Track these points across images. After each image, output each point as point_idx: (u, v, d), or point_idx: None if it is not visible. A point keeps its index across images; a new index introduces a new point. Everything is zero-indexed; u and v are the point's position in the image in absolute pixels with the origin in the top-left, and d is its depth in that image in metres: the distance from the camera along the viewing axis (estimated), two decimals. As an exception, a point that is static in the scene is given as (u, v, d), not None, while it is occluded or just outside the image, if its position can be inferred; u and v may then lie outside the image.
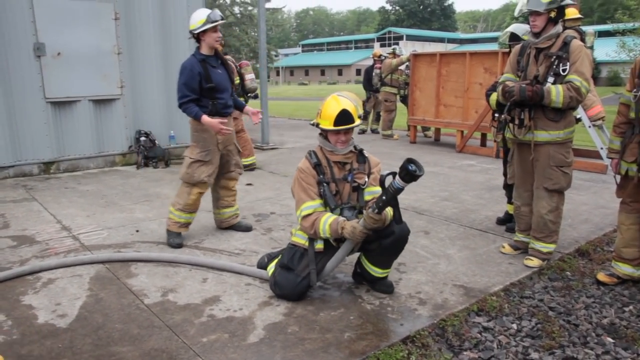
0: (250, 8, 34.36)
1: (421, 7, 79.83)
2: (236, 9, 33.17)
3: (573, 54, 3.68)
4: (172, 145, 8.09)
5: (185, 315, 3.14)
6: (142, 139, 7.61)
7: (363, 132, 12.71)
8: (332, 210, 3.29)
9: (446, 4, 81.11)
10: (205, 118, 4.17)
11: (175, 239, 4.36)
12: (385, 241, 3.24)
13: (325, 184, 3.30)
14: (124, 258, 3.96)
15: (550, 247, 4.03)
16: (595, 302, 3.52)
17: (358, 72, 73.66)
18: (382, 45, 78.69)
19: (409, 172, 2.77)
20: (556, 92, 3.65)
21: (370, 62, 13.02)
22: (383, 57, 12.09)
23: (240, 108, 4.72)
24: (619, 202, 3.78)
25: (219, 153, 4.43)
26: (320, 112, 3.31)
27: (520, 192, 4.15)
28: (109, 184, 6.63)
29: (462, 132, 9.93)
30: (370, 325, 3.06)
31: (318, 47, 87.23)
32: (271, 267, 3.59)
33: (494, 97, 4.73)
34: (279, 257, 3.59)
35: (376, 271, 3.45)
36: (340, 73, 74.58)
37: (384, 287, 3.52)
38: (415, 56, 10.88)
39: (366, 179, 3.35)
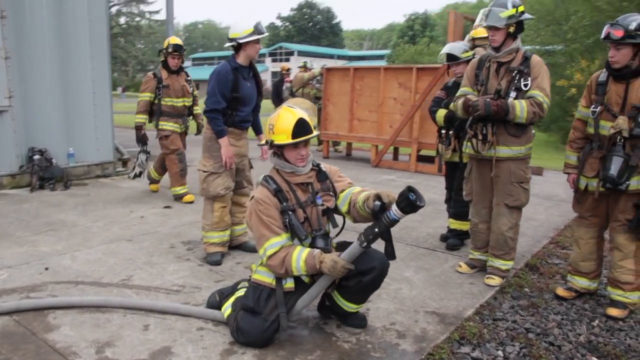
0: (137, 19, 32.67)
1: (310, 24, 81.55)
2: (122, 20, 31.33)
3: (534, 69, 3.65)
4: (72, 164, 7.10)
5: (134, 377, 2.55)
6: (36, 157, 6.56)
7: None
8: (301, 242, 2.88)
9: (334, 22, 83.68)
10: (224, 140, 4.08)
11: (212, 257, 4.17)
12: (366, 278, 2.87)
13: (290, 212, 2.88)
14: (37, 305, 3.21)
15: (509, 264, 3.95)
16: (564, 319, 3.45)
17: (251, 86, 73.04)
18: (274, 61, 79.14)
19: (410, 203, 2.44)
20: (520, 108, 3.58)
21: (265, 76, 12.78)
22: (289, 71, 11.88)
23: (256, 130, 4.58)
24: (576, 215, 3.81)
25: (234, 166, 4.25)
26: (272, 128, 2.90)
27: (479, 209, 4.04)
28: (-3, 212, 5.60)
29: (376, 146, 9.96)
30: (357, 369, 2.69)
31: (209, 60, 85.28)
32: (227, 308, 3.09)
33: (440, 113, 4.66)
34: (235, 296, 3.10)
35: (350, 307, 3.08)
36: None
37: (357, 321, 3.16)
38: (328, 70, 10.78)
39: (334, 201, 3.00)
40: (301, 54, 69.76)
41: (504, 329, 3.29)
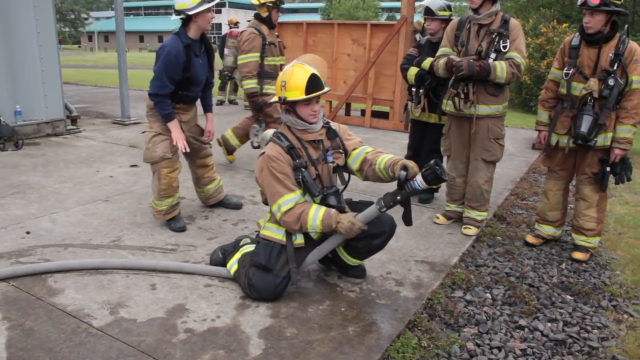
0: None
1: (241, -25, 78.48)
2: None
3: (513, 31, 3.84)
4: (20, 123, 6.68)
5: (157, 335, 2.60)
6: (-19, 115, 6.13)
7: (221, 103, 12.11)
8: (313, 198, 2.98)
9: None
10: (173, 124, 3.82)
11: (175, 224, 4.00)
12: (376, 241, 3.03)
13: (303, 169, 2.95)
14: (35, 270, 3.13)
15: (484, 214, 4.26)
16: (537, 263, 3.81)
17: (181, 39, 69.92)
18: (204, 12, 75.54)
19: (437, 176, 2.56)
20: (500, 69, 3.78)
21: None
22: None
23: (205, 106, 4.26)
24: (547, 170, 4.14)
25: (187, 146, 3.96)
26: (285, 85, 2.92)
27: (457, 164, 4.28)
28: (-54, 174, 5.24)
29: (330, 102, 10.03)
30: (367, 315, 2.88)
31: (134, 11, 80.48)
32: (232, 264, 3.16)
33: (412, 71, 4.76)
34: (241, 252, 3.17)
35: (353, 261, 3.24)
36: (161, 40, 70.11)
37: (358, 271, 3.34)
38: (280, 25, 10.57)
39: (344, 158, 3.09)
40: (232, 5, 67.18)
41: (487, 274, 3.59)
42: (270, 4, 5.38)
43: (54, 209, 4.29)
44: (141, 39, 69.21)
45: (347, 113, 10.49)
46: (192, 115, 4.14)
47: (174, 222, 4.00)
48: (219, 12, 74.56)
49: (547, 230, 4.13)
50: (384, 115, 9.79)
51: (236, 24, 11.69)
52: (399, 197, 2.70)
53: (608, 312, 3.17)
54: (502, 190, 5.51)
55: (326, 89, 2.96)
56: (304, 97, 2.87)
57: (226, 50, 10.95)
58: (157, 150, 3.85)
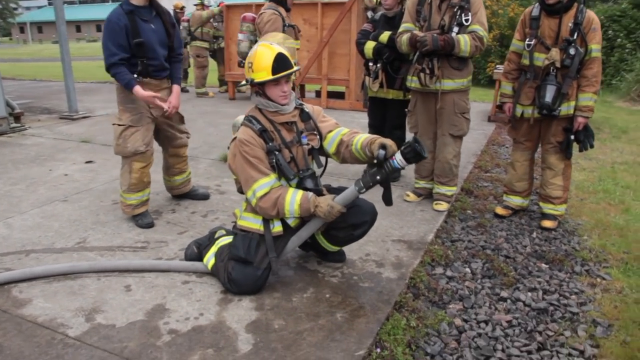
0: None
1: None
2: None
3: (474, 4, 3.83)
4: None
5: (140, 339, 2.47)
6: None
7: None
8: (289, 182, 2.90)
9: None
10: (137, 90, 3.58)
11: (142, 220, 3.83)
12: (357, 231, 2.98)
13: (276, 152, 2.85)
14: (-3, 281, 2.93)
15: (454, 189, 4.29)
16: (509, 234, 3.89)
17: (120, 27, 67.23)
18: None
19: (417, 153, 2.50)
20: (464, 42, 3.78)
21: None
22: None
23: (172, 80, 3.96)
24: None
25: (152, 119, 3.82)
26: (251, 66, 2.82)
27: (424, 140, 4.27)
28: None
29: (285, 85, 9.87)
30: (353, 300, 2.84)
31: (69, -1, 77.01)
32: (209, 258, 3.06)
33: (369, 45, 4.66)
34: (217, 245, 3.07)
35: (332, 248, 3.19)
36: (99, 29, 67.22)
37: (337, 256, 3.29)
38: (229, 7, 10.30)
39: (318, 140, 3.01)
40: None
41: (463, 248, 3.63)
42: None
43: (8, 214, 4.02)
44: (78, 29, 66.04)
45: (302, 95, 10.36)
46: (163, 95, 3.84)
47: (141, 218, 3.84)
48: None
49: (515, 200, 4.21)
50: (339, 96, 9.74)
51: (182, 9, 11.30)
52: (378, 177, 2.63)
53: (582, 277, 3.27)
54: (465, 164, 5.58)
55: (295, 68, 2.87)
56: (270, 77, 2.77)
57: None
58: (127, 145, 3.70)
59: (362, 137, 2.86)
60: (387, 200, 2.74)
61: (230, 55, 10.34)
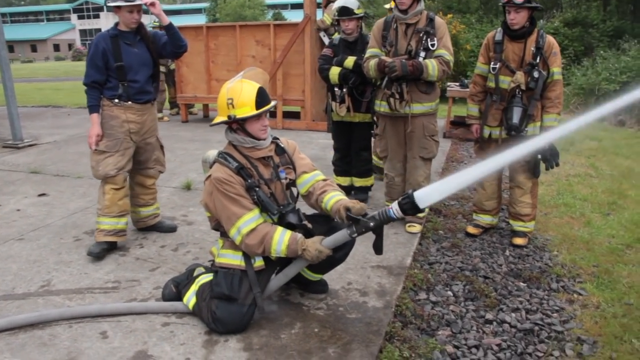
0: None
1: (119, -26, 74.37)
2: None
3: (439, 29, 3.91)
4: None
5: (123, 392, 2.32)
6: None
7: None
8: (272, 217, 2.82)
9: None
10: (93, 117, 3.76)
11: (93, 249, 3.72)
12: (338, 254, 2.90)
13: (256, 189, 2.77)
14: (-46, 338, 2.67)
15: (425, 211, 4.32)
16: (484, 254, 3.94)
17: (56, 47, 65.03)
18: (79, 18, 70.82)
19: (414, 206, 2.46)
20: (432, 67, 3.84)
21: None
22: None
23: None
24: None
25: (132, 144, 3.88)
26: (232, 102, 2.74)
27: (394, 163, 4.30)
28: None
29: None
30: (343, 333, 2.78)
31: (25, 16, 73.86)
32: (190, 298, 2.92)
33: (334, 71, 4.66)
34: (197, 284, 2.93)
35: (314, 277, 3.13)
36: (34, 49, 64.70)
37: (320, 286, 3.22)
38: (179, 29, 10.09)
39: (294, 174, 2.96)
40: (110, 9, 63.31)
41: (442, 271, 3.65)
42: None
43: None
44: (11, 49, 63.18)
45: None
46: (145, 120, 3.92)
47: (94, 246, 3.74)
48: (97, 15, 70.20)
49: (486, 219, 4.30)
50: (295, 116, 9.73)
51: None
52: (371, 224, 2.59)
53: (560, 294, 3.35)
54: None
55: (273, 102, 2.82)
56: (255, 112, 2.71)
57: None
58: (99, 169, 3.78)
59: (331, 199, 2.80)
60: (378, 249, 2.70)
61: (182, 77, 10.15)
